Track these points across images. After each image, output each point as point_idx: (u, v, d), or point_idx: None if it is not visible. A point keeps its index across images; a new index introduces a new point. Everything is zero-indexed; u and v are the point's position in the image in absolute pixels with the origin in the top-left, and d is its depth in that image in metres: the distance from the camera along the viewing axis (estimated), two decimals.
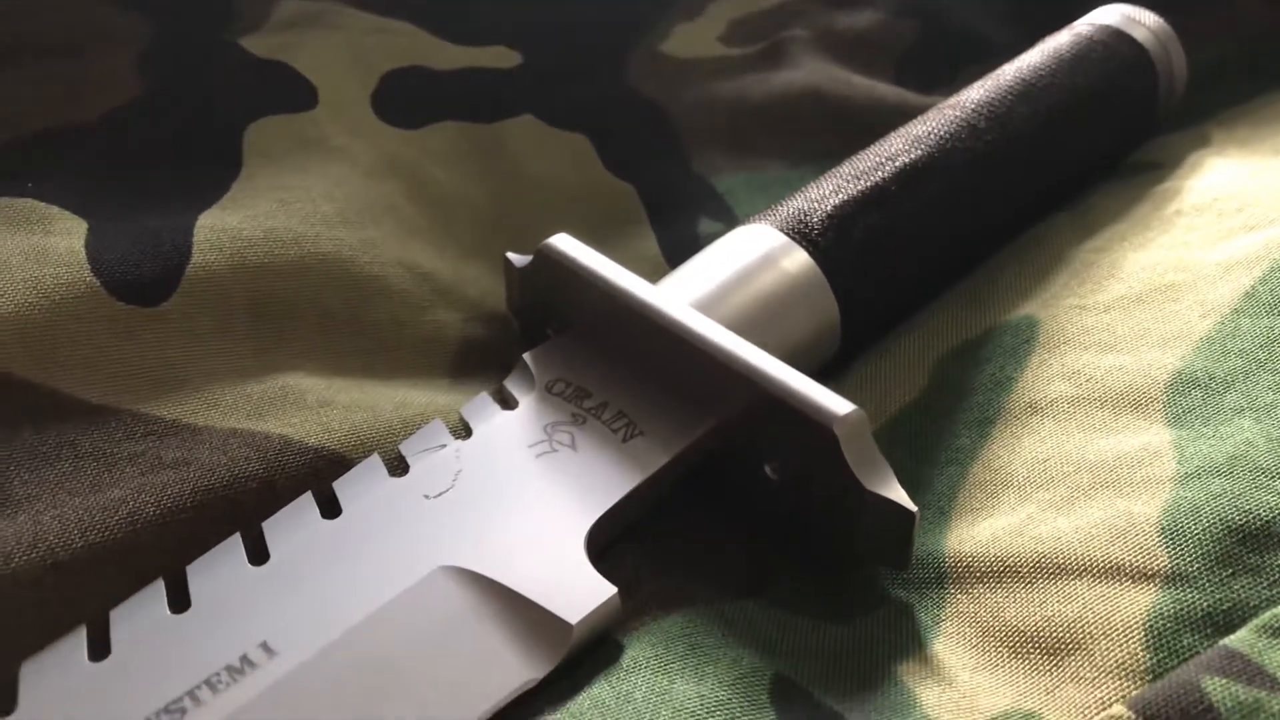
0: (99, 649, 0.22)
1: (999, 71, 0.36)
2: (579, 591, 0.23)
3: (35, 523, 0.24)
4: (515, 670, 0.22)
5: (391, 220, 0.32)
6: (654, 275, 0.29)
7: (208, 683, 0.22)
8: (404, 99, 0.35)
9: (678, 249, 0.34)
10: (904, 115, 0.36)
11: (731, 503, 0.27)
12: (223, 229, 0.29)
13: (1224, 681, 0.20)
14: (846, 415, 0.24)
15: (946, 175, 0.32)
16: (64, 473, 0.25)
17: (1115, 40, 0.37)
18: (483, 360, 0.31)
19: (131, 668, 0.22)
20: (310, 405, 0.27)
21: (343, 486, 0.25)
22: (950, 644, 0.23)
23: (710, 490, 0.27)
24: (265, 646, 0.22)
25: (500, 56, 0.38)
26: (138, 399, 0.27)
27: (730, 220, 0.34)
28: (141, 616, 0.23)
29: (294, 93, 0.33)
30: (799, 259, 0.29)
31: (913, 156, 0.32)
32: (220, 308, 0.28)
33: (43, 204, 0.29)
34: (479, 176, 0.34)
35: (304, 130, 0.32)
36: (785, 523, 0.26)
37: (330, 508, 0.25)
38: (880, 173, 0.31)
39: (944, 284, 0.32)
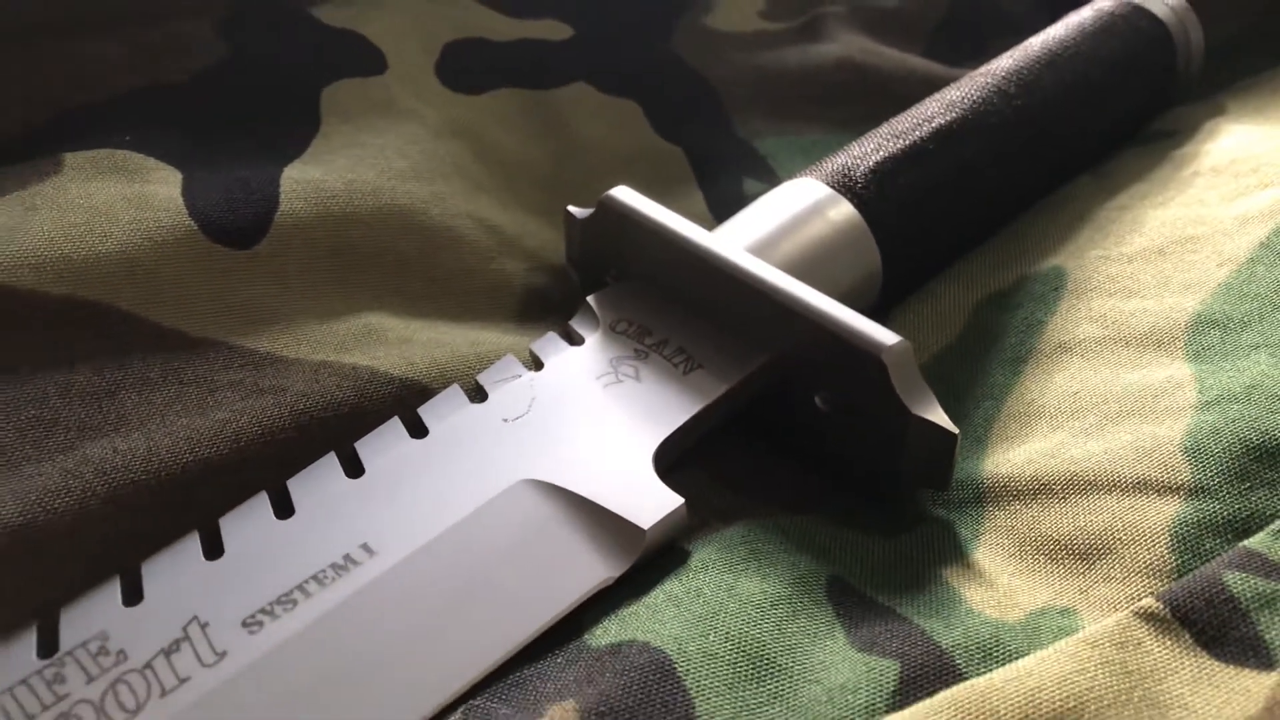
0: (214, 550, 0.24)
1: (1027, 43, 0.38)
2: (649, 501, 0.25)
3: (149, 439, 0.26)
4: (593, 569, 0.24)
5: (458, 178, 0.34)
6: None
7: (315, 578, 0.24)
8: (465, 67, 0.37)
9: (724, 206, 0.36)
10: (933, 85, 0.38)
11: (782, 433, 0.29)
12: (307, 180, 0.31)
13: (1243, 575, 0.22)
14: (894, 345, 0.26)
15: (979, 137, 0.34)
16: (170, 397, 0.27)
17: (1135, 15, 0.39)
18: (544, 307, 0.33)
19: (244, 566, 0.24)
20: (391, 341, 0.30)
21: (427, 411, 0.27)
22: (989, 553, 0.25)
23: (762, 422, 0.29)
24: (366, 547, 0.24)
25: (552, 29, 0.40)
26: (233, 333, 0.29)
27: (773, 180, 0.36)
28: (250, 523, 0.25)
29: (365, 59, 0.35)
30: (844, 210, 0.31)
31: (948, 119, 0.34)
32: (306, 252, 0.30)
33: (140, 155, 0.31)
34: (536, 140, 0.36)
35: (376, 93, 0.35)
36: (833, 450, 0.28)
37: (416, 430, 0.27)
38: (918, 133, 0.33)
39: (976, 239, 0.34)
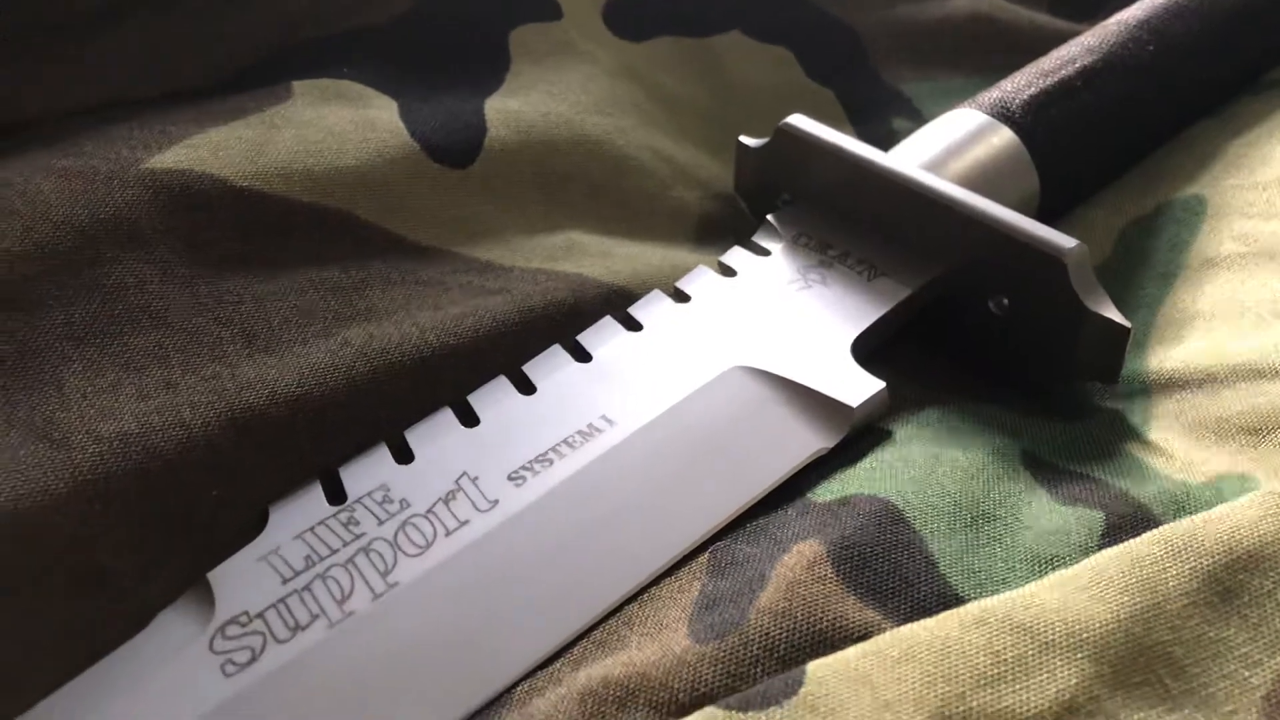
0: (469, 421, 0.27)
1: None
2: (854, 385, 0.28)
3: (398, 327, 0.29)
4: (808, 441, 0.27)
5: (635, 114, 0.37)
6: None
7: (565, 442, 0.26)
8: (628, 16, 0.40)
9: (875, 143, 0.38)
10: (1058, 39, 0.41)
11: (954, 336, 0.31)
12: (507, 111, 0.34)
13: None
14: (1074, 248, 0.28)
15: (1116, 78, 0.36)
16: (410, 294, 0.30)
17: None
18: (718, 231, 0.35)
19: (500, 433, 0.27)
20: (593, 254, 0.32)
21: (638, 309, 0.30)
22: (1163, 433, 0.28)
23: (935, 327, 0.31)
24: (605, 418, 0.27)
25: None
26: (456, 243, 0.32)
27: (918, 119, 0.39)
28: (498, 399, 0.28)
29: (544, 7, 0.38)
30: (1005, 135, 0.33)
31: (1090, 60, 0.36)
32: (512, 174, 0.33)
33: (359, 85, 0.34)
34: (696, 82, 0.39)
35: (556, 36, 0.37)
36: (1006, 349, 0.30)
37: (630, 325, 0.30)
38: (1064, 71, 0.36)
39: (1117, 171, 0.37)
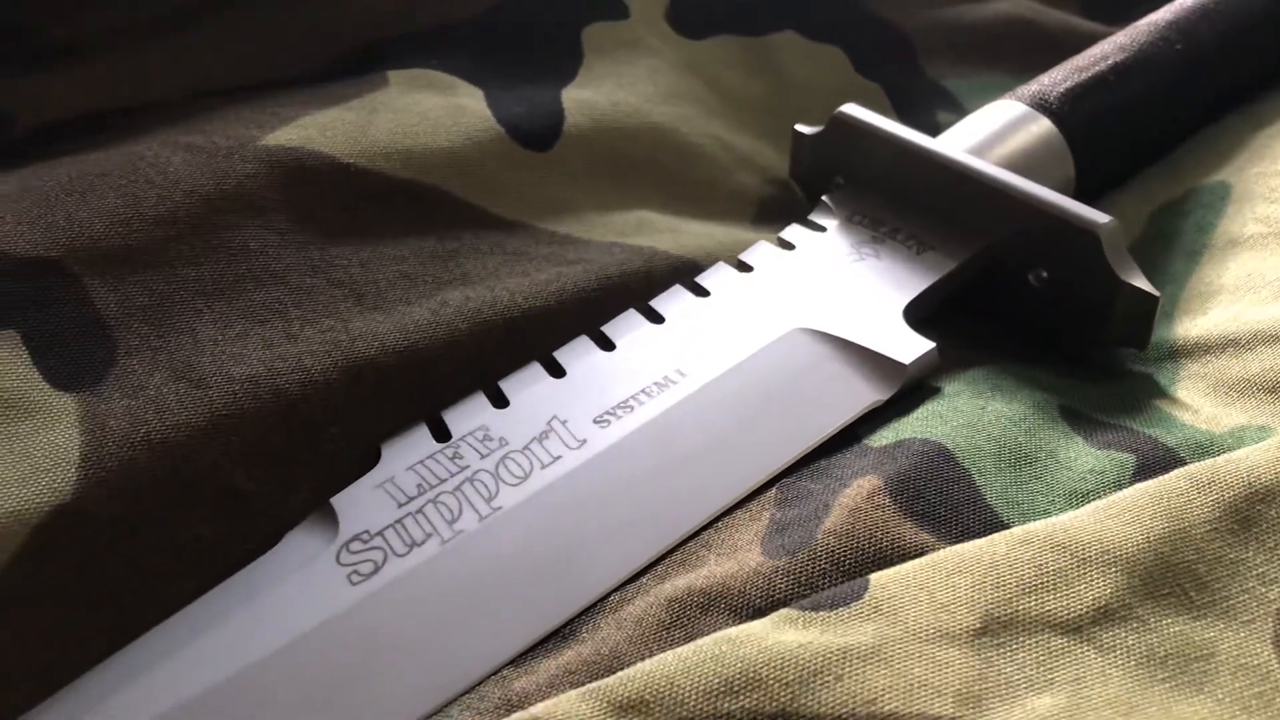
0: (556, 373, 0.30)
1: (1181, 0, 0.43)
2: (907, 344, 0.30)
3: (491, 291, 0.31)
4: (863, 394, 0.30)
5: (697, 105, 0.40)
6: None
7: (644, 391, 0.29)
8: (689, 15, 0.43)
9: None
10: (1091, 39, 0.43)
11: (994, 306, 0.34)
12: (582, 100, 0.37)
13: None
14: (1108, 223, 0.31)
15: (1147, 74, 0.39)
16: (499, 262, 0.33)
17: None
18: (774, 212, 0.38)
19: (584, 383, 0.30)
20: (662, 230, 0.35)
21: (704, 278, 0.33)
22: (1189, 392, 0.30)
23: (976, 298, 0.34)
24: (679, 371, 0.30)
25: None
26: (538, 218, 0.35)
27: (961, 112, 0.42)
28: (581, 354, 0.31)
29: (613, 6, 0.41)
30: (1044, 124, 0.36)
31: (1122, 57, 0.39)
32: (588, 157, 0.36)
33: (448, 75, 0.37)
34: (753, 77, 0.42)
35: (624, 34, 0.40)
36: (1043, 318, 0.33)
37: (698, 292, 0.33)
38: (1098, 67, 0.38)
39: (1147, 160, 0.39)
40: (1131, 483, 0.26)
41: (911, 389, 0.30)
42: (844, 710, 0.21)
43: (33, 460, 0.25)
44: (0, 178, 0.31)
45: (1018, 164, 0.35)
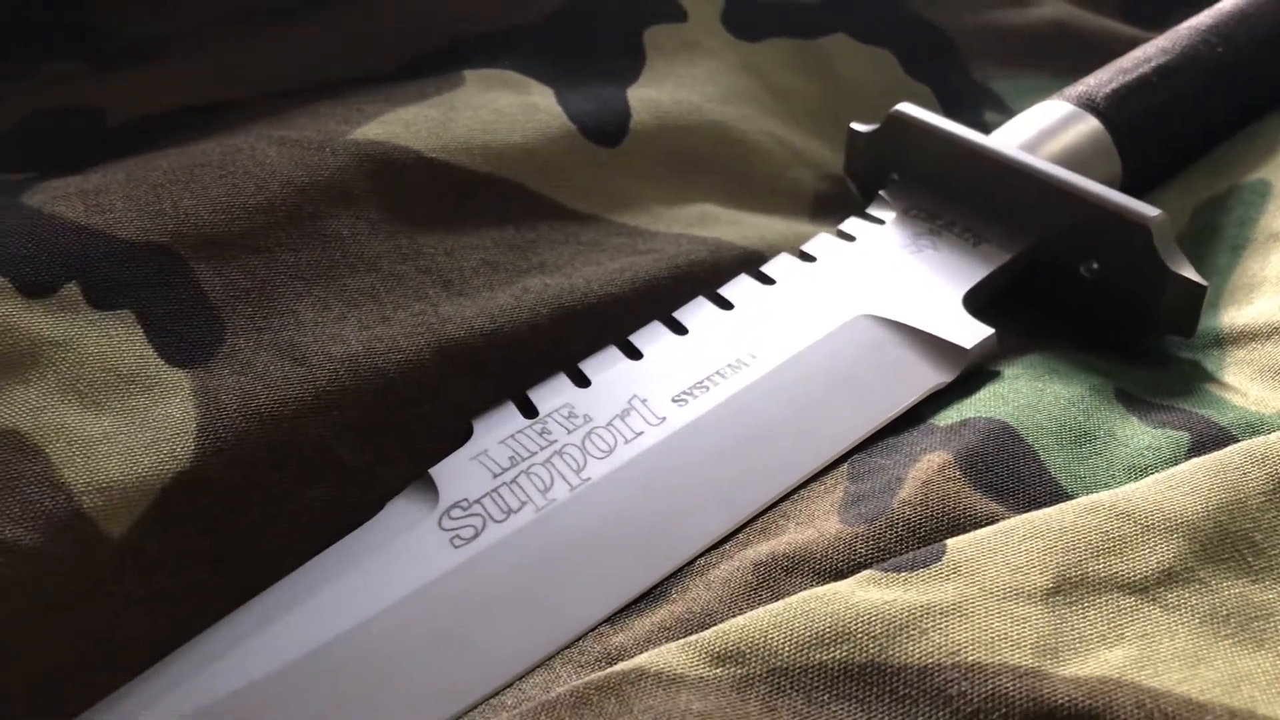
0: (634, 355, 0.32)
1: (1219, 5, 0.44)
2: (967, 330, 0.32)
3: (568, 278, 0.33)
4: (926, 377, 0.31)
5: (754, 104, 0.41)
6: None
7: (718, 372, 0.31)
8: (745, 18, 0.45)
9: None
10: (1130, 43, 0.45)
11: (1046, 298, 0.35)
12: (647, 98, 0.39)
13: None
14: (1157, 216, 0.33)
15: (1189, 75, 0.41)
16: (574, 252, 0.34)
17: None
18: (831, 207, 0.40)
19: (661, 365, 0.31)
20: (726, 223, 0.37)
21: (770, 268, 0.35)
22: (1236, 377, 0.32)
23: (1029, 290, 0.35)
24: (751, 354, 0.31)
25: None
26: (608, 211, 0.36)
27: (1008, 113, 0.43)
28: (655, 338, 0.32)
29: (672, 9, 0.43)
30: (1091, 123, 0.38)
31: (1164, 60, 0.40)
32: (654, 153, 0.38)
33: (519, 74, 0.38)
34: (807, 78, 0.44)
35: (683, 35, 0.42)
36: (1094, 308, 0.34)
37: (765, 281, 0.34)
38: (1141, 69, 0.40)
39: (1189, 158, 0.41)
40: (1187, 458, 0.28)
41: (972, 373, 0.32)
42: (930, 661, 0.22)
43: (155, 430, 0.27)
44: (104, 167, 0.33)
45: (1067, 161, 0.37)
